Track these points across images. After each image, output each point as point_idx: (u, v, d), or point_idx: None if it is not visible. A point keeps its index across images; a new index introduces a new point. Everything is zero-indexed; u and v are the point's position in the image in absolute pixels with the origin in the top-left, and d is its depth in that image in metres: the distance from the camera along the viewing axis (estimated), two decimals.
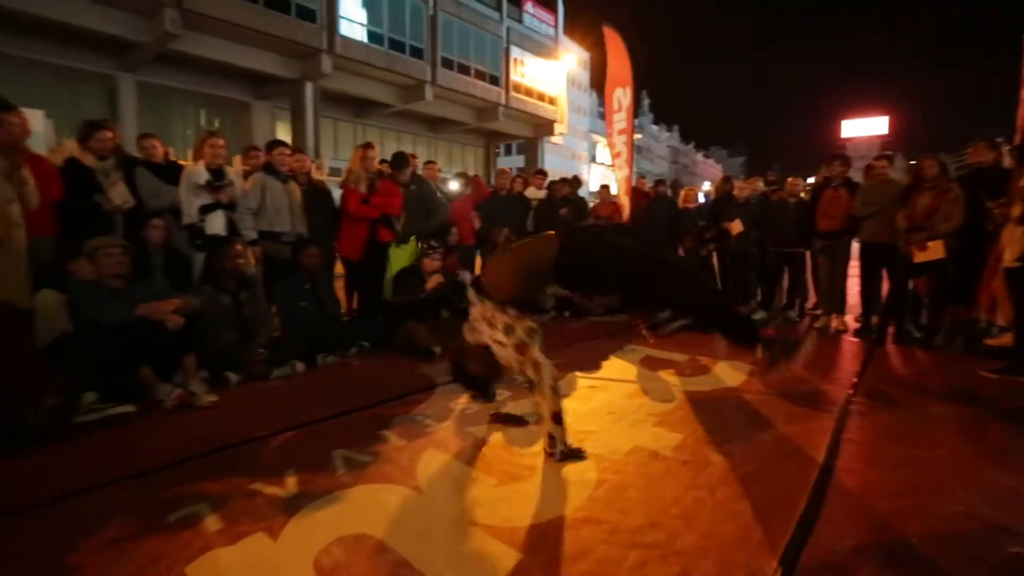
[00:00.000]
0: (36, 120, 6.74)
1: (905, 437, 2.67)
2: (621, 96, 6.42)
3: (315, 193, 4.57)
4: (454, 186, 5.71)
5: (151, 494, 2.03)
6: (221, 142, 4.13)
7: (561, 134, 27.64)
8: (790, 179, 6.04)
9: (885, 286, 5.11)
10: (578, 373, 3.72)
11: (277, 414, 2.87)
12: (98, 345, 2.87)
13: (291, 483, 2.12)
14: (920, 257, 4.38)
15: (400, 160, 5.05)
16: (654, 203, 7.06)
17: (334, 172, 14.54)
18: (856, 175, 5.65)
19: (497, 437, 2.63)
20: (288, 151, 4.33)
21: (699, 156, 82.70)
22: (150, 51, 14.05)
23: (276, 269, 4.14)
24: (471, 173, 6.66)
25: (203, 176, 4.03)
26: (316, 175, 5.37)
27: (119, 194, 3.82)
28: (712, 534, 1.82)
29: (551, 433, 2.36)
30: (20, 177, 3.10)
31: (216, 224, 4.01)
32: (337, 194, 4.82)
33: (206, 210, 4.00)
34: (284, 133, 19.11)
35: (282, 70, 16.48)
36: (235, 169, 4.78)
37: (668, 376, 3.66)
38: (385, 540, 1.75)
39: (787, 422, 2.87)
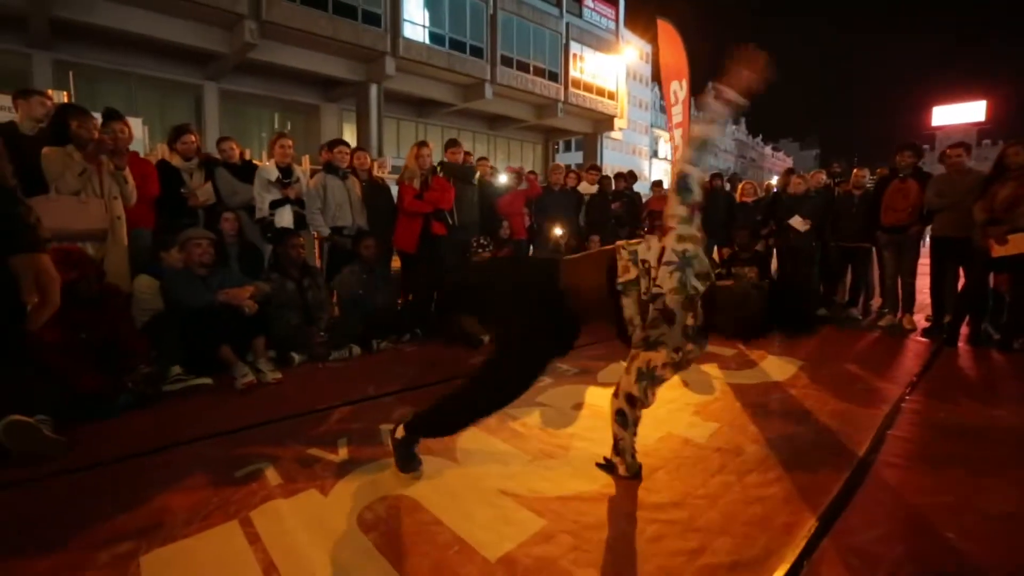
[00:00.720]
0: (135, 127, 7.48)
1: (957, 436, 2.56)
2: (677, 89, 6.33)
3: (374, 189, 4.86)
4: (503, 179, 5.84)
5: (223, 452, 2.31)
6: (289, 142, 4.48)
7: (621, 129, 27.24)
8: (856, 170, 5.76)
9: (960, 284, 4.79)
10: (622, 362, 3.75)
11: (334, 391, 3.13)
12: (185, 325, 3.23)
13: (343, 451, 2.34)
14: (999, 252, 4.09)
15: (453, 142, 5.31)
16: (709, 197, 6.91)
17: (396, 170, 15.12)
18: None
19: (534, 419, 2.75)
20: (347, 149, 4.63)
21: (767, 149, 78.87)
22: (231, 61, 15.15)
23: (338, 260, 4.44)
24: (528, 169, 6.76)
25: (273, 174, 4.39)
26: (378, 173, 5.69)
27: (205, 192, 4.26)
28: (734, 516, 1.86)
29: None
30: (123, 177, 3.54)
31: (284, 218, 4.37)
32: (396, 191, 5.10)
33: (275, 205, 4.36)
34: (350, 133, 20.06)
35: (349, 73, 17.28)
36: (304, 168, 5.14)
37: (712, 369, 3.64)
38: (421, 501, 1.92)
39: (831, 416, 2.81)
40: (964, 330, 4.53)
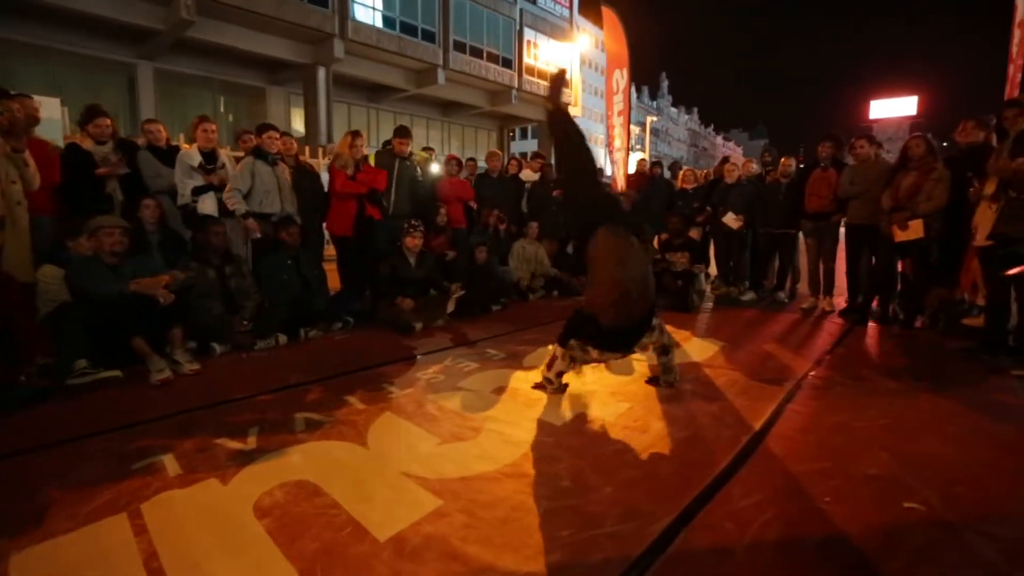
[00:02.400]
0: (52, 108, 7.00)
1: (849, 408, 2.75)
2: (619, 77, 6.41)
3: (303, 174, 4.75)
4: (435, 169, 5.80)
5: (123, 446, 2.24)
6: (213, 127, 4.32)
7: (576, 117, 27.39)
8: (783, 159, 5.99)
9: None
10: (551, 347, 3.83)
11: (253, 381, 3.07)
12: (93, 316, 3.09)
13: (252, 439, 2.31)
14: (900, 236, 4.37)
15: (402, 131, 5.23)
16: (651, 185, 7.08)
17: None
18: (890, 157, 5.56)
19: (453, 403, 2.78)
20: (277, 134, 4.49)
21: (719, 139, 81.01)
22: (167, 38, 14.36)
23: (265, 247, 4.33)
24: (483, 157, 6.76)
25: (196, 159, 4.23)
26: (326, 160, 5.54)
27: (116, 164, 4.00)
28: (627, 488, 1.95)
29: (662, 364, 3.00)
30: (22, 160, 3.33)
31: (208, 205, 4.22)
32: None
33: (198, 192, 4.20)
34: (298, 118, 19.43)
35: (295, 55, 16.69)
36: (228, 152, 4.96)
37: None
38: (322, 486, 1.93)
39: (738, 394, 2.96)
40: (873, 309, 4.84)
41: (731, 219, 5.98)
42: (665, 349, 2.99)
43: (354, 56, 17.63)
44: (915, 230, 4.27)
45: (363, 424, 2.50)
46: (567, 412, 2.67)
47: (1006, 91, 4.53)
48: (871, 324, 4.72)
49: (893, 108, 55.93)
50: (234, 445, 2.25)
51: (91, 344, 3.04)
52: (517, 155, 8.03)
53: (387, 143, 5.72)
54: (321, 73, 17.15)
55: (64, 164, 3.85)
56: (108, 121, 4.08)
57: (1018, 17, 4.40)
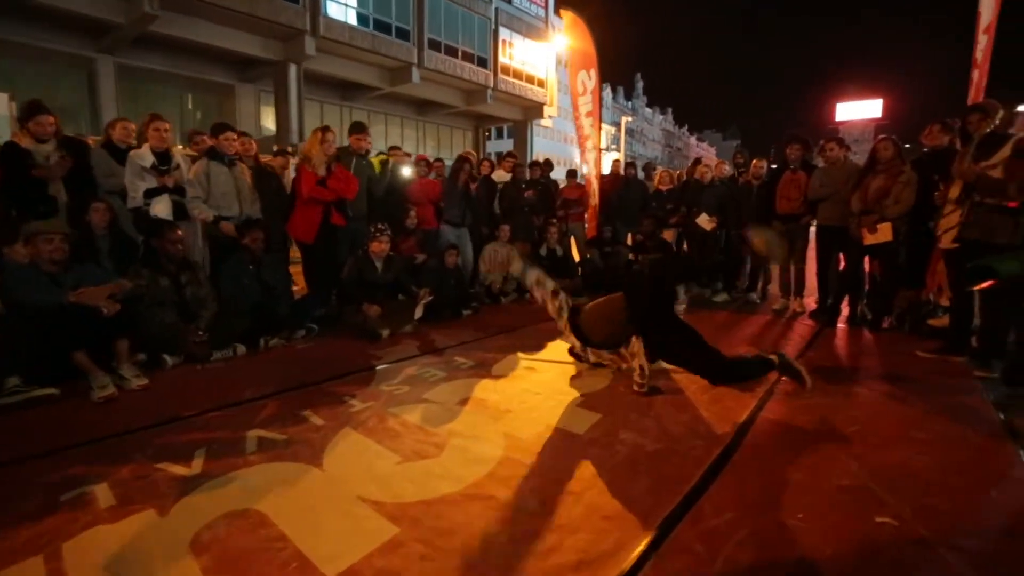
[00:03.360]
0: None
1: (821, 415, 2.71)
2: (585, 79, 6.36)
3: (263, 176, 4.56)
4: (407, 172, 5.65)
5: (52, 474, 2.06)
6: (166, 125, 4.10)
7: (551, 117, 27.43)
8: (755, 161, 6.02)
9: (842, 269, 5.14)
10: (520, 354, 3.76)
11: (206, 396, 2.90)
12: (29, 329, 2.88)
13: (197, 463, 2.15)
14: (869, 239, 4.39)
15: (358, 126, 5.05)
16: (625, 186, 7.05)
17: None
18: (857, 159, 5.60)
19: (417, 417, 2.66)
20: (234, 135, 4.30)
21: (693, 139, 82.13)
22: (128, 33, 13.85)
23: (223, 252, 4.14)
24: (450, 157, 6.64)
25: (148, 159, 4.01)
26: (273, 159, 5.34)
27: (57, 166, 3.75)
28: (596, 509, 1.86)
29: (642, 367, 3.00)
30: None
31: (162, 208, 4.00)
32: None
33: (151, 194, 3.99)
34: (269, 116, 18.98)
35: (265, 52, 16.29)
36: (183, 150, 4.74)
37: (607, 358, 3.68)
38: (269, 515, 1.79)
39: (711, 402, 2.91)
40: (845, 311, 4.87)
41: (705, 220, 5.98)
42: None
43: (326, 53, 17.31)
44: (884, 233, 4.30)
45: (320, 443, 2.36)
46: (536, 425, 2.57)
47: (970, 95, 4.60)
48: (840, 325, 4.75)
49: (859, 111, 57.55)
50: (177, 471, 2.09)
51: (26, 360, 2.83)
52: (493, 156, 7.92)
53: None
54: (292, 70, 16.79)
55: (1, 164, 3.60)
56: (51, 119, 3.84)
57: (982, 23, 4.47)
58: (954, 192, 3.56)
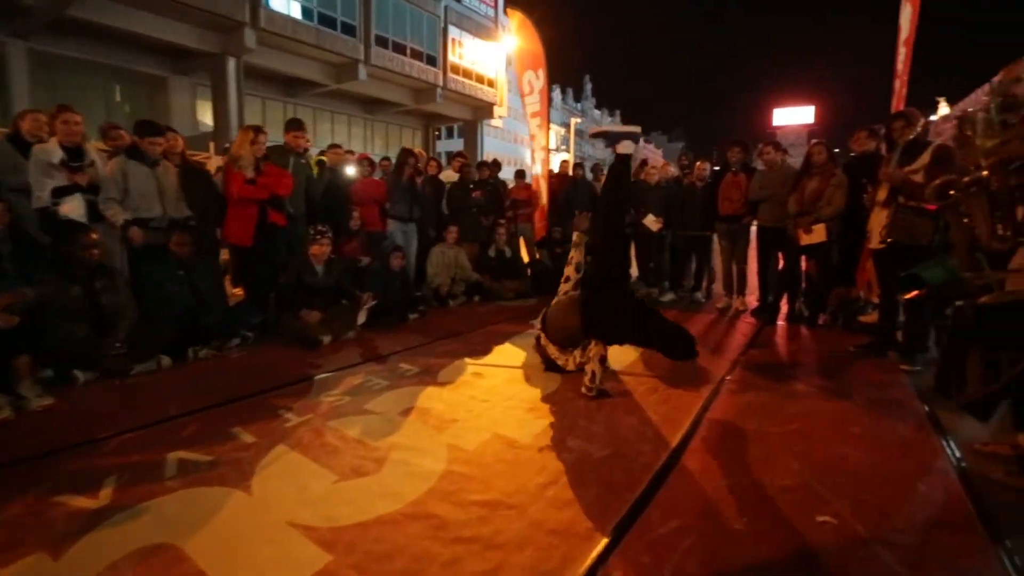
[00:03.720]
0: None
1: (763, 414, 2.76)
2: (532, 79, 6.34)
3: (191, 174, 4.26)
4: (351, 171, 5.44)
5: None
6: (76, 118, 3.74)
7: (501, 117, 27.39)
8: (698, 163, 6.15)
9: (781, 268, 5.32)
10: (468, 359, 3.67)
11: (122, 415, 2.65)
12: None
13: (105, 493, 1.94)
14: (805, 240, 4.56)
15: (295, 123, 4.80)
16: (572, 186, 7.07)
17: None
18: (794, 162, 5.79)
19: (356, 430, 2.52)
20: (161, 140, 3.96)
21: (640, 141, 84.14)
22: (42, 16, 12.78)
23: (145, 256, 3.83)
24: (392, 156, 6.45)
25: (57, 155, 3.65)
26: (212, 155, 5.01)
27: None
28: (541, 524, 1.79)
29: (593, 372, 2.96)
30: None
31: (74, 209, 3.66)
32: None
33: (60, 193, 3.64)
34: (205, 111, 18.02)
35: (201, 43, 15.41)
36: (97, 145, 4.36)
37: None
38: (185, 549, 1.62)
39: (658, 403, 2.91)
40: (784, 308, 5.06)
41: (651, 221, 6.07)
42: (603, 359, 3.04)
43: (268, 47, 16.58)
44: (818, 234, 4.47)
45: (249, 463, 2.19)
46: (481, 434, 2.49)
47: (892, 104, 4.86)
48: (780, 323, 4.91)
49: (793, 116, 60.82)
50: (79, 503, 1.88)
51: None
52: (443, 156, 7.77)
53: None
54: (231, 64, 15.97)
55: None
56: None
57: (902, 37, 4.73)
58: (881, 195, 3.73)
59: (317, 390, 3.07)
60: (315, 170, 4.77)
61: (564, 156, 27.98)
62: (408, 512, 1.85)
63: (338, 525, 1.77)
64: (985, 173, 2.23)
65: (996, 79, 2.55)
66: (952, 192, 2.30)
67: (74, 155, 3.73)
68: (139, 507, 1.85)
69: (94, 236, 3.37)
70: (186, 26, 14.86)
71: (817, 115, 61.10)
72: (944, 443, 2.43)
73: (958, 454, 2.31)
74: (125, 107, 17.43)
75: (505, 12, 26.56)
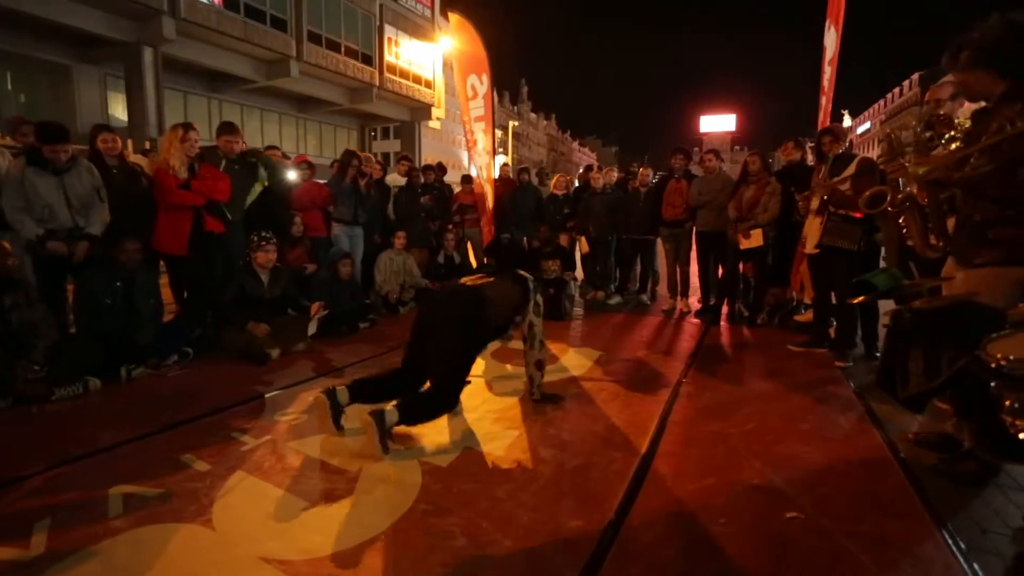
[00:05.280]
0: None
1: (721, 415, 2.89)
2: (476, 83, 6.30)
3: (127, 177, 3.90)
4: (291, 175, 5.19)
5: None
6: None
7: (439, 119, 27.15)
8: (641, 169, 6.36)
9: (720, 271, 5.59)
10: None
11: (46, 448, 2.37)
12: None
13: (38, 541, 1.73)
14: (745, 244, 4.82)
15: (228, 127, 4.49)
16: (519, 191, 7.09)
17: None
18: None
19: (318, 451, 2.40)
20: (66, 147, 3.44)
21: (575, 144, 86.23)
22: None
23: (49, 267, 3.46)
24: (334, 156, 6.19)
25: None
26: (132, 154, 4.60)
27: None
28: (525, 538, 1.78)
29: (531, 377, 3.01)
30: None
31: None
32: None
33: None
34: (118, 104, 16.66)
35: (111, 31, 14.24)
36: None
37: (516, 368, 3.63)
38: None
39: (621, 409, 2.97)
40: (723, 310, 5.32)
41: (584, 245, 6.27)
42: (539, 364, 3.02)
43: (189, 38, 15.60)
44: (756, 238, 4.74)
45: (206, 493, 2.02)
46: (454, 449, 2.44)
47: (819, 119, 5.25)
48: (722, 323, 5.16)
49: (718, 123, 64.56)
50: (7, 554, 1.66)
51: None
52: (380, 157, 7.56)
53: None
54: (147, 54, 14.85)
55: None
56: None
57: (827, 56, 5.13)
58: (814, 204, 4.01)
59: (271, 409, 2.89)
60: (261, 173, 4.46)
61: (503, 159, 28.12)
62: (390, 537, 1.78)
63: (315, 556, 1.67)
64: (914, 189, 2.45)
65: (924, 100, 2.81)
66: (887, 206, 2.50)
67: None
68: (82, 552, 1.67)
69: (7, 245, 3.01)
70: (94, 11, 13.69)
71: (738, 123, 65.28)
72: (882, 434, 2.64)
73: (894, 444, 2.51)
74: (19, 96, 15.81)
75: (443, 13, 26.41)
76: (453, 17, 6.35)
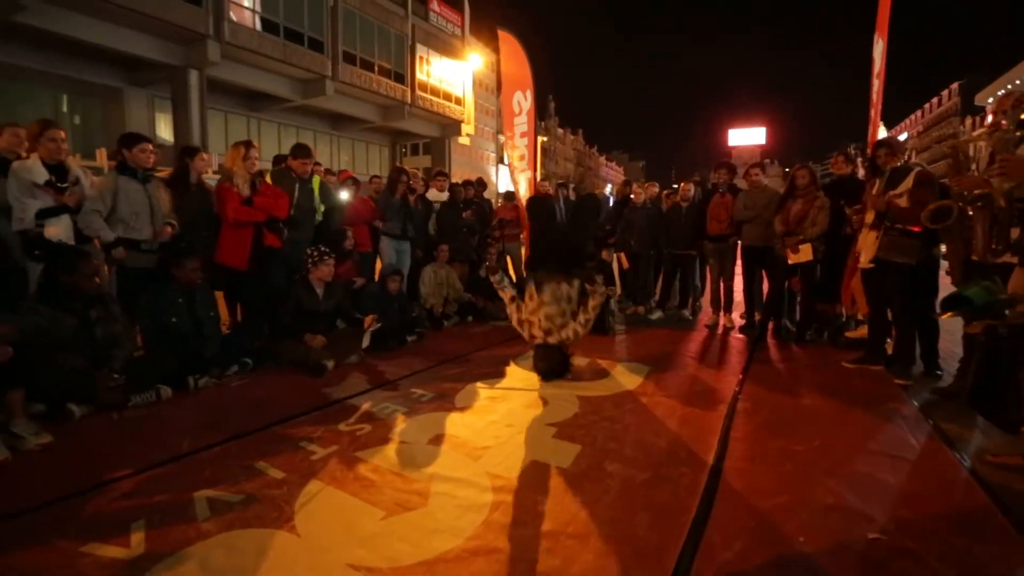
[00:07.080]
0: None
1: (784, 432, 2.84)
2: (521, 99, 6.39)
3: (204, 196, 4.10)
4: (344, 195, 5.35)
5: None
6: (61, 134, 3.53)
7: (468, 135, 27.55)
8: (682, 184, 6.34)
9: (765, 286, 5.51)
10: (479, 384, 3.62)
11: (130, 452, 2.48)
12: None
13: (136, 539, 1.81)
14: (793, 259, 4.75)
15: (303, 149, 4.69)
16: (547, 207, 7.13)
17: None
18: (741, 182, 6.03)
19: (388, 461, 2.45)
20: (149, 146, 3.81)
21: (602, 159, 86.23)
22: None
23: (133, 280, 3.64)
24: (373, 173, 6.35)
25: (41, 174, 3.44)
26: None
27: None
28: (607, 553, 1.78)
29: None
30: None
31: (61, 231, 3.44)
32: None
33: (46, 215, 3.42)
34: (165, 125, 17.38)
35: (161, 55, 14.92)
36: (102, 163, 4.14)
37: (567, 382, 3.65)
38: None
39: (680, 424, 2.95)
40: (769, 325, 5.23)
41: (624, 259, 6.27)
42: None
43: (232, 60, 16.22)
44: (805, 253, 4.67)
45: (286, 500, 2.08)
46: (518, 462, 2.46)
47: (869, 132, 5.17)
48: (769, 339, 5.08)
49: (747, 137, 63.79)
50: (111, 552, 1.74)
51: None
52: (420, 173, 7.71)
53: (280, 159, 5.16)
54: (193, 76, 15.52)
55: None
56: None
57: (875, 69, 5.07)
58: (869, 218, 3.94)
59: (333, 418, 2.96)
60: (317, 193, 4.65)
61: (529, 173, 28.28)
62: (469, 548, 1.80)
63: (400, 565, 1.70)
64: (990, 191, 2.40)
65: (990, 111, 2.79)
66: (962, 205, 2.46)
67: (57, 173, 3.53)
68: (179, 554, 1.73)
69: (95, 263, 3.18)
70: (145, 36, 14.38)
71: (769, 135, 64.38)
72: (955, 455, 2.56)
73: (971, 465, 2.43)
74: (74, 118, 16.64)
75: (472, 32, 26.89)
76: (501, 34, 6.46)
